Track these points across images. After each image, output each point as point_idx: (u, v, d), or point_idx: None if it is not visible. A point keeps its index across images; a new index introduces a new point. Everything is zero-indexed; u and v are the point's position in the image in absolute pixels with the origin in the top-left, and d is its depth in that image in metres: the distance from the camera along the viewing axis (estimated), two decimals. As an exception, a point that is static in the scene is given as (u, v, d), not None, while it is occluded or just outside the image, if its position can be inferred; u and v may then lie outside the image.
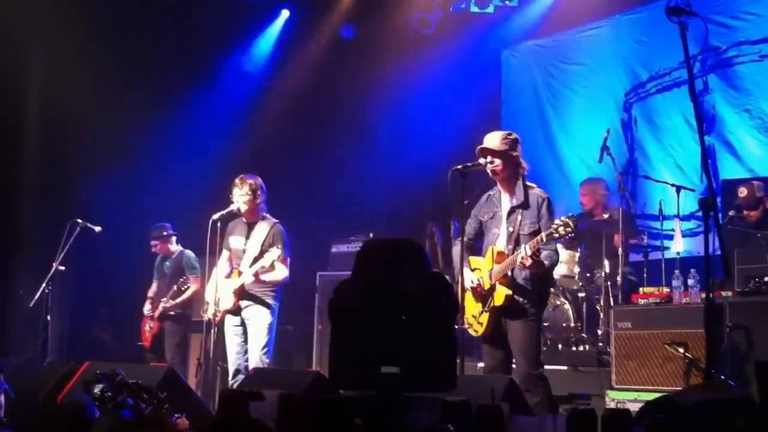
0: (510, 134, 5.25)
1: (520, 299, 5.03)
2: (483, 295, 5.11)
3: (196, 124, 8.97)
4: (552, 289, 5.87)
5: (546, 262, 5.00)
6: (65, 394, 5.60)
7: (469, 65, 9.41)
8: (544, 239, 4.87)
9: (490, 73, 9.62)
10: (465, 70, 9.38)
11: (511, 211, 5.15)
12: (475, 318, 5.16)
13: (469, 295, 5.20)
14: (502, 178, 5.22)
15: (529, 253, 4.87)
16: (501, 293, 5.01)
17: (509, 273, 5.03)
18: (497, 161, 5.15)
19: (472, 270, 5.20)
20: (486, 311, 5.09)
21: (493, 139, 5.19)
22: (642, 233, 7.43)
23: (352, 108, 9.33)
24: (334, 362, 3.78)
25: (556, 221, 4.86)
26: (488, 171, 5.22)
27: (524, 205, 5.11)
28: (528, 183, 5.20)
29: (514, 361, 5.20)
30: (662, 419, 3.46)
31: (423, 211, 8.69)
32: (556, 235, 4.82)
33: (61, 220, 7.39)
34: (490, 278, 5.08)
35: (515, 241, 5.05)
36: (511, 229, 5.08)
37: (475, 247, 5.38)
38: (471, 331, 5.23)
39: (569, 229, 4.78)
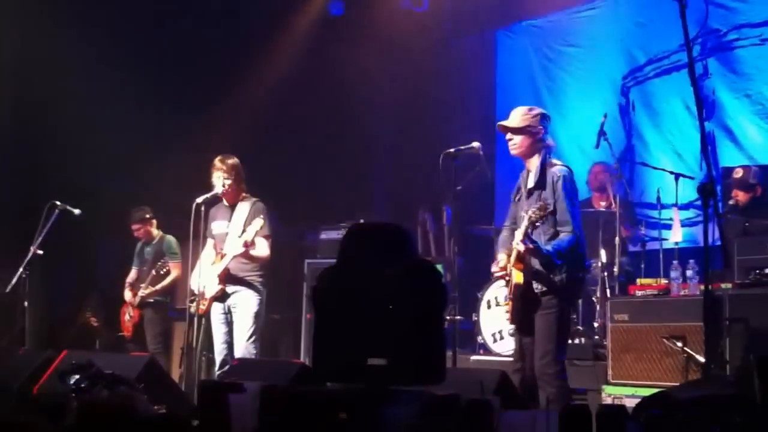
0: (532, 109, 5.01)
1: (537, 288, 4.81)
2: (508, 282, 4.94)
3: (178, 105, 8.79)
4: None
5: (547, 248, 4.74)
6: (41, 385, 5.51)
7: (462, 45, 9.25)
8: (527, 224, 4.68)
9: (485, 53, 9.45)
10: (458, 50, 9.22)
11: (530, 192, 4.94)
12: (507, 305, 5.01)
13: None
14: (522, 156, 4.99)
15: (519, 238, 4.70)
16: (515, 278, 4.82)
17: (527, 258, 4.79)
18: (514, 138, 4.95)
19: (508, 256, 4.97)
20: (510, 298, 4.93)
21: (513, 115, 4.99)
22: (640, 223, 7.30)
23: (340, 89, 9.16)
24: (318, 353, 3.69)
25: (533, 206, 4.70)
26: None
27: (541, 184, 4.88)
28: (551, 160, 4.93)
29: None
30: (658, 415, 3.39)
31: (415, 196, 8.57)
32: (534, 219, 4.65)
33: (39, 202, 7.23)
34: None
35: (531, 227, 4.79)
36: (524, 221, 4.81)
37: None
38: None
39: (541, 213, 4.62)
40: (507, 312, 4.99)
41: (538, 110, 5.03)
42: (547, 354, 4.75)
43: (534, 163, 4.95)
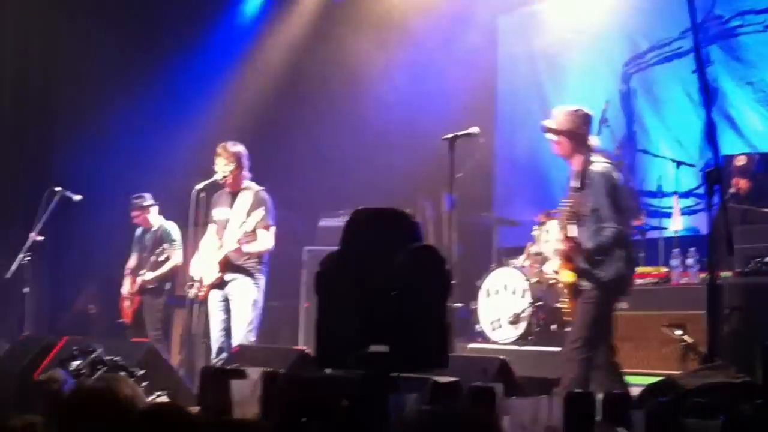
0: (578, 111, 5.04)
1: (584, 285, 4.87)
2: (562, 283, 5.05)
3: (179, 91, 8.78)
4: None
5: (588, 245, 4.80)
6: (42, 370, 5.49)
7: (464, 31, 9.21)
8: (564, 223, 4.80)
9: (486, 39, 9.41)
10: (460, 36, 9.18)
11: (574, 192, 4.98)
12: (566, 307, 5.09)
13: None
14: (564, 156, 5.05)
15: (560, 237, 4.82)
16: (566, 279, 4.92)
17: (573, 258, 4.88)
18: (557, 138, 4.99)
19: None
20: (567, 299, 5.01)
21: (556, 115, 5.03)
22: (640, 211, 7.28)
23: (341, 75, 9.14)
24: (320, 340, 3.64)
25: (562, 201, 4.80)
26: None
27: (582, 184, 4.92)
28: (593, 159, 4.97)
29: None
30: (664, 403, 3.39)
31: (414, 184, 8.53)
32: (569, 216, 4.77)
33: (38, 188, 7.24)
34: None
35: (579, 224, 4.87)
36: (575, 210, 4.91)
37: None
38: None
39: (571, 212, 4.73)
40: (567, 310, 5.06)
41: (581, 111, 5.06)
42: (578, 341, 4.83)
43: (577, 162, 4.98)
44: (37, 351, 5.73)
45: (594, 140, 5.06)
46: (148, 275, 7.63)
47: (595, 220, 4.83)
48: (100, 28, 8.42)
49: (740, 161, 6.59)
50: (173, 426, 2.66)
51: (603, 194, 4.82)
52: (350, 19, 9.19)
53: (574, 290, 4.90)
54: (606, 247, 4.81)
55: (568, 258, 4.87)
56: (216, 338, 6.18)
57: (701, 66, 4.15)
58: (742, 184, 6.53)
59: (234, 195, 6.30)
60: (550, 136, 4.99)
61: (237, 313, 6.13)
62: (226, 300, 6.19)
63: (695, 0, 4.12)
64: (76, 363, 5.21)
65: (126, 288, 7.81)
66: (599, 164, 4.94)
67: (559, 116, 5.00)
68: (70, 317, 8.86)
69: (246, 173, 6.30)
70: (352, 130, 9.13)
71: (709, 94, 4.40)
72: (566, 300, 5.03)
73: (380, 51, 8.96)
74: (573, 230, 4.84)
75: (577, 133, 4.95)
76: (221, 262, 6.11)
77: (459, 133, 5.54)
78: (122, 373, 5.14)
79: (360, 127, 9.08)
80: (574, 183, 4.95)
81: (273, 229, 6.22)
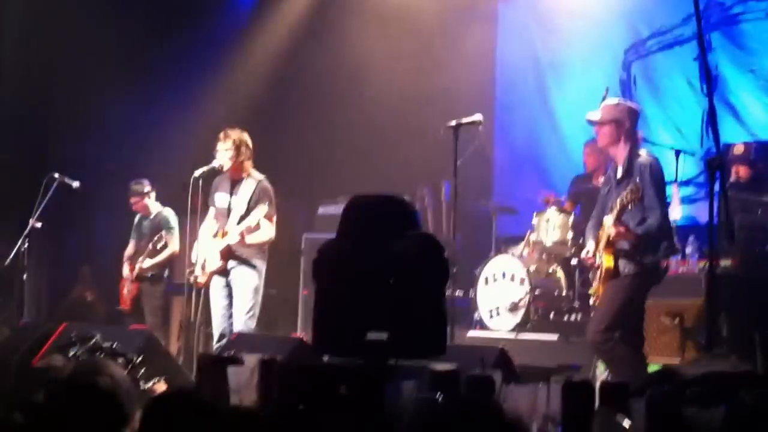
0: (619, 104, 5.29)
1: (626, 269, 5.03)
2: (597, 268, 5.18)
3: (180, 77, 8.77)
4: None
5: (638, 231, 4.97)
6: (41, 357, 5.51)
7: (463, 18, 9.18)
8: (619, 208, 4.90)
9: (485, 26, 9.38)
10: (459, 23, 9.15)
11: (619, 182, 5.15)
12: (595, 291, 5.24)
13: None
14: (608, 146, 5.23)
15: (611, 222, 4.93)
16: (605, 263, 5.04)
17: (617, 243, 5.02)
18: (602, 129, 5.18)
19: (597, 244, 5.23)
20: (599, 283, 5.14)
21: (603, 111, 5.22)
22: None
23: (339, 62, 9.11)
24: (318, 327, 3.66)
25: (628, 188, 4.89)
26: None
27: (629, 174, 5.09)
28: (639, 151, 5.17)
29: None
30: (665, 391, 3.36)
31: (413, 171, 8.52)
32: (626, 202, 4.86)
33: (37, 174, 7.22)
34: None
35: (622, 212, 5.01)
36: (615, 207, 5.02)
37: None
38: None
39: (633, 196, 4.82)
40: (595, 297, 5.21)
41: (626, 104, 5.35)
42: (604, 321, 5.00)
43: (621, 154, 5.16)
44: (36, 337, 5.74)
45: (640, 133, 5.27)
46: (146, 262, 7.63)
47: (640, 209, 4.98)
48: (99, 16, 8.37)
49: (738, 150, 6.58)
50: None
51: (649, 184, 4.98)
52: (351, 8, 9.16)
53: (612, 274, 5.03)
54: (653, 235, 5.00)
55: (610, 242, 5.01)
56: (217, 324, 6.19)
57: (704, 51, 4.11)
58: (742, 172, 6.51)
59: (235, 183, 6.25)
60: (595, 127, 5.20)
61: (238, 299, 6.14)
62: (228, 287, 6.19)
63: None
64: (74, 349, 5.24)
65: (125, 275, 7.83)
66: (645, 156, 5.13)
67: (603, 108, 5.23)
68: (68, 304, 8.87)
69: (247, 161, 6.23)
70: (351, 118, 9.12)
71: (711, 79, 4.39)
72: (598, 285, 5.16)
73: (380, 39, 8.93)
74: (610, 219, 4.99)
75: (620, 124, 5.13)
76: (223, 252, 6.10)
77: (463, 121, 5.56)
78: (120, 360, 5.16)
79: (359, 114, 9.06)
80: (620, 172, 5.13)
81: (274, 218, 6.21)
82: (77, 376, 2.96)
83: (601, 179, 7.15)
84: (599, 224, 5.22)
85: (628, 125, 5.14)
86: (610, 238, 4.98)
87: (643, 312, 5.23)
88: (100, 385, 2.85)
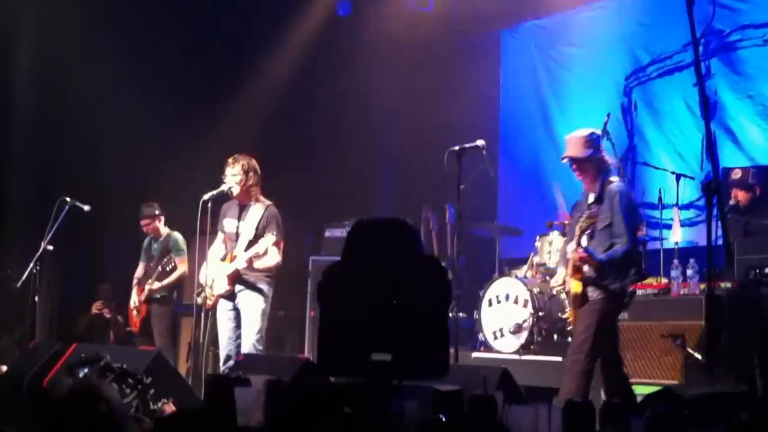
0: (592, 134, 5.24)
1: (593, 295, 5.05)
2: (568, 293, 5.24)
3: (188, 101, 8.87)
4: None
5: (599, 257, 4.97)
6: (51, 377, 5.54)
7: (467, 45, 9.30)
8: (578, 234, 4.98)
9: (489, 53, 9.50)
10: (463, 50, 9.28)
11: (589, 208, 5.17)
12: (569, 316, 5.32)
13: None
14: (587, 180, 5.23)
15: (573, 248, 4.99)
16: (573, 288, 5.08)
17: (583, 268, 5.05)
18: (580, 167, 5.19)
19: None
20: (571, 308, 5.20)
21: (575, 145, 5.19)
22: (642, 223, 7.32)
23: (347, 88, 9.22)
24: (323, 348, 3.71)
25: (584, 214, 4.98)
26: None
27: (599, 199, 5.12)
28: (610, 178, 5.20)
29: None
30: (664, 412, 3.40)
31: (418, 195, 8.61)
32: (584, 228, 4.94)
33: (49, 196, 7.29)
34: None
35: (591, 237, 5.07)
36: (576, 231, 5.07)
37: None
38: None
39: (589, 221, 4.90)
40: (569, 321, 5.29)
41: (587, 133, 5.23)
42: (581, 351, 4.98)
43: (593, 181, 5.19)
44: (47, 358, 5.75)
45: (610, 159, 5.27)
46: (156, 284, 7.69)
47: (608, 235, 5.02)
48: (110, 42, 8.48)
49: (737, 174, 6.65)
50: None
51: (618, 211, 5.02)
52: (357, 32, 9.29)
53: (580, 300, 5.05)
54: (618, 262, 5.01)
55: (576, 268, 5.02)
56: (224, 346, 6.22)
57: (701, 78, 4.19)
58: (740, 196, 6.58)
59: (243, 208, 6.30)
60: (572, 165, 5.19)
61: (246, 322, 6.17)
62: (235, 310, 6.23)
63: (695, 14, 4.14)
64: (84, 370, 5.23)
65: (134, 297, 7.89)
66: (616, 182, 5.17)
67: (576, 145, 5.19)
68: (86, 321, 8.90)
69: (255, 187, 6.28)
70: (358, 144, 9.23)
71: (708, 108, 4.45)
72: (570, 310, 5.19)
73: (385, 65, 9.05)
74: (584, 242, 5.03)
75: (597, 157, 5.16)
76: (231, 276, 6.15)
77: (466, 146, 5.64)
78: (130, 380, 5.21)
79: (367, 139, 9.17)
80: (591, 198, 5.15)
81: (282, 244, 6.26)
82: (72, 400, 2.92)
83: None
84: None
85: (587, 154, 5.14)
86: (574, 264, 5.03)
87: (617, 334, 5.25)
88: (96, 410, 2.82)
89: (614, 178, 5.22)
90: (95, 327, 8.67)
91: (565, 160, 5.20)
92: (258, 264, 6.14)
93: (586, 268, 5.03)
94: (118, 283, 8.50)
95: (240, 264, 6.12)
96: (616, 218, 5.01)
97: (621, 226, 5.02)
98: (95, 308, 8.89)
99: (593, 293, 5.04)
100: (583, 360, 4.96)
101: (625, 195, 5.12)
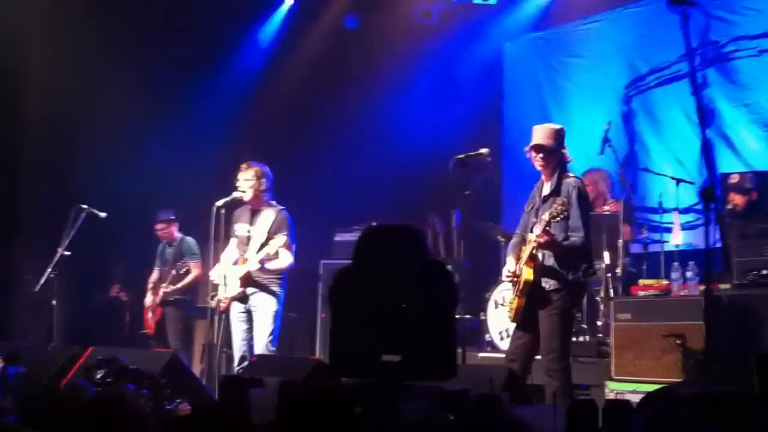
0: (562, 129, 5.39)
1: (548, 285, 5.13)
2: (516, 282, 5.25)
3: (200, 110, 8.95)
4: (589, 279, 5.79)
5: (564, 243, 5.10)
6: (69, 379, 5.66)
7: (471, 56, 9.44)
8: (547, 219, 5.02)
9: (492, 64, 9.63)
10: (467, 61, 9.42)
11: (545, 200, 5.27)
12: (510, 304, 5.31)
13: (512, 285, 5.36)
14: (546, 170, 5.33)
15: (538, 232, 5.03)
16: (525, 275, 5.13)
17: (539, 256, 5.13)
18: (541, 155, 5.29)
19: (516, 261, 5.31)
20: (516, 296, 5.23)
21: (545, 136, 5.30)
22: (642, 226, 7.45)
23: (354, 98, 9.35)
24: (334, 350, 3.75)
25: (557, 201, 5.02)
26: (535, 165, 5.35)
27: (556, 192, 5.22)
28: (567, 173, 5.31)
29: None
30: (662, 410, 3.49)
31: (425, 201, 8.72)
32: (555, 214, 4.99)
33: (65, 203, 7.42)
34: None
35: (550, 224, 5.13)
36: (544, 217, 5.14)
37: None
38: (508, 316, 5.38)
39: (562, 209, 4.96)
40: (510, 310, 5.27)
41: (557, 127, 5.40)
42: (553, 351, 5.08)
43: (550, 173, 5.31)
44: (64, 360, 5.87)
45: (569, 157, 5.37)
46: (170, 288, 7.85)
47: (564, 228, 5.13)
48: (127, 52, 8.59)
49: (734, 179, 6.74)
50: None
51: (575, 206, 5.13)
52: (363, 44, 9.41)
53: (530, 288, 5.12)
54: (574, 253, 5.13)
55: (532, 256, 5.11)
56: (238, 347, 6.35)
57: (696, 88, 4.33)
58: (738, 200, 6.66)
59: (255, 212, 6.44)
60: (533, 153, 5.30)
61: (259, 324, 6.30)
62: (247, 312, 6.36)
63: (690, 26, 4.28)
64: (101, 372, 5.29)
65: (149, 300, 8.03)
66: (572, 178, 5.29)
67: (541, 134, 5.31)
68: (103, 302, 9.02)
69: (267, 192, 6.43)
70: (366, 150, 9.34)
71: (705, 116, 4.57)
72: (515, 297, 5.23)
73: (392, 74, 9.18)
74: (538, 230, 5.11)
75: (559, 149, 5.29)
76: (243, 278, 6.27)
77: (470, 154, 5.76)
78: (146, 381, 5.32)
79: (374, 147, 9.29)
80: (547, 190, 5.27)
81: (294, 247, 6.39)
82: (99, 406, 2.88)
83: (606, 208, 7.38)
84: (521, 242, 5.33)
85: (555, 146, 5.28)
86: (534, 249, 5.09)
87: (573, 327, 5.39)
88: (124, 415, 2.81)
89: (571, 174, 5.33)
90: (112, 310, 8.82)
91: (531, 151, 5.28)
92: (269, 266, 6.26)
93: (543, 256, 5.12)
94: (135, 287, 8.60)
95: (251, 266, 6.23)
96: (573, 212, 5.12)
97: (578, 221, 5.14)
98: (113, 292, 9.05)
99: (547, 283, 5.12)
100: (556, 360, 5.09)
101: (583, 191, 5.26)
